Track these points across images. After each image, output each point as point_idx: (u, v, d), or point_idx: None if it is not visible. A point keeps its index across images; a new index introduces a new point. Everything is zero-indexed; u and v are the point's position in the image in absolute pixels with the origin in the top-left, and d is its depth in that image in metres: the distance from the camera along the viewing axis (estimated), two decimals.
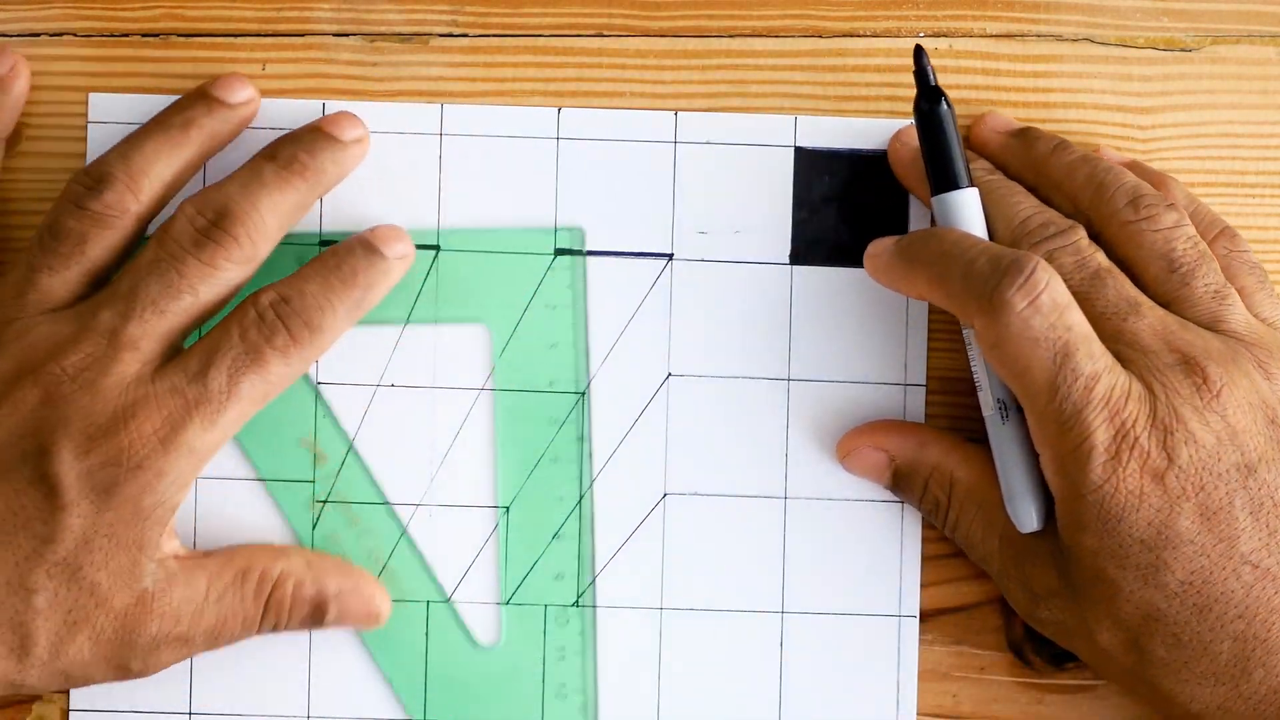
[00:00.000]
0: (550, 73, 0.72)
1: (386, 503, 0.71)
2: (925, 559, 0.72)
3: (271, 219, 0.67)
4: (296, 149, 0.69)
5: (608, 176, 0.71)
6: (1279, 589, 0.65)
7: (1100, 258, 0.66)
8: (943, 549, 0.72)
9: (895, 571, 0.71)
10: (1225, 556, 0.64)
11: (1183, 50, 0.72)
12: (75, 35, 0.72)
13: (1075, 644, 0.67)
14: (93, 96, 0.71)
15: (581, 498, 0.71)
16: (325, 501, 0.71)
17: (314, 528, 0.71)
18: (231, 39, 0.72)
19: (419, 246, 0.71)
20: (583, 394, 0.71)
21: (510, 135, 0.71)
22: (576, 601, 0.71)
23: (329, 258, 0.68)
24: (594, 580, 0.71)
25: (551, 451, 0.71)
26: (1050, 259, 0.66)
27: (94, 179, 0.68)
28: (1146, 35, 0.72)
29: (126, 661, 0.67)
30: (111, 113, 0.70)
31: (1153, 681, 0.65)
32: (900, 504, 0.71)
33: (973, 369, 0.67)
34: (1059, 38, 0.72)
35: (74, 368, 0.65)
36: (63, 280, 0.67)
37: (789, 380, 0.71)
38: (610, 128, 0.71)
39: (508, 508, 0.71)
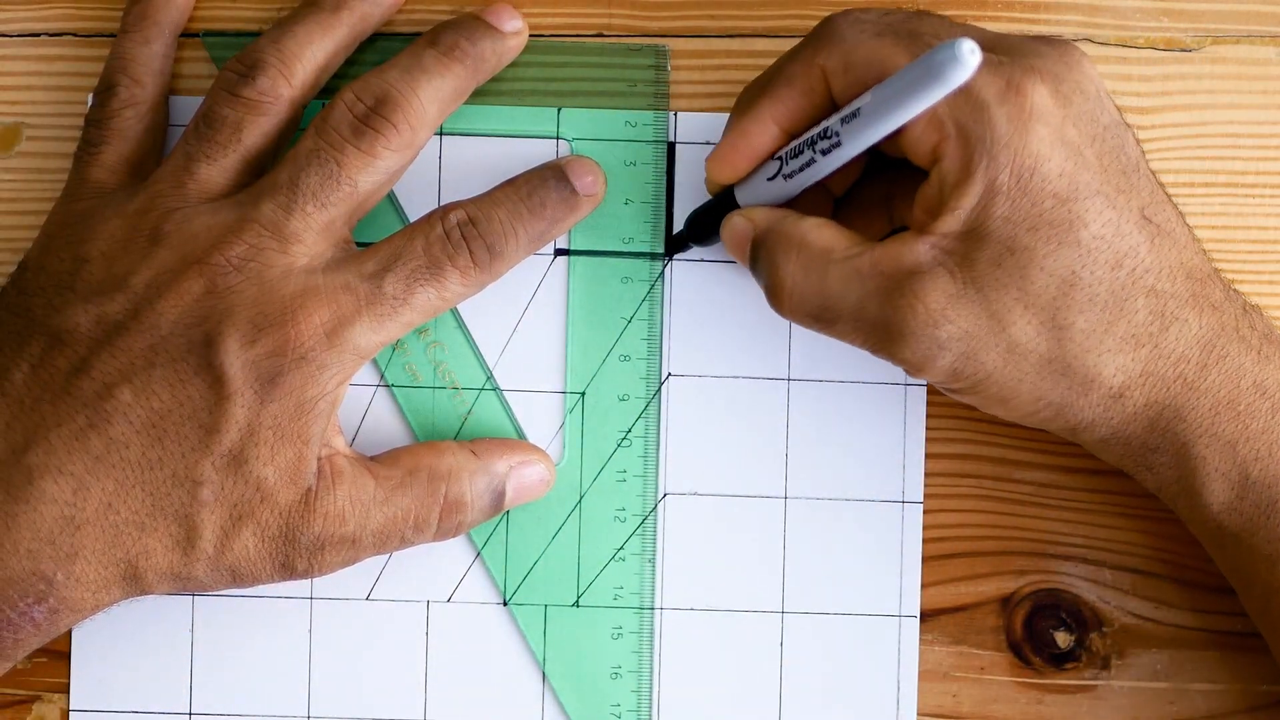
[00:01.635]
0: (550, 72, 0.72)
1: None
2: (925, 559, 0.72)
3: (432, 105, 0.67)
4: (458, 36, 0.69)
5: (607, 176, 0.71)
6: (1175, 244, 0.64)
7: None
8: (943, 549, 0.72)
9: (895, 571, 0.71)
10: (1128, 209, 0.63)
11: (1183, 50, 0.72)
12: (75, 35, 0.72)
13: (984, 355, 0.64)
14: (93, 96, 0.71)
15: (582, 498, 0.71)
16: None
17: None
18: (232, 39, 0.72)
19: None
20: (582, 394, 0.72)
21: (510, 135, 0.71)
22: (576, 602, 0.71)
23: (521, 184, 0.68)
24: (594, 581, 0.71)
25: (551, 451, 0.71)
26: None
27: (246, 65, 0.68)
28: (1146, 35, 0.72)
29: (292, 560, 0.66)
30: None
31: (1074, 362, 0.63)
32: (900, 504, 0.71)
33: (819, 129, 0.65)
34: (1059, 38, 0.72)
35: (238, 259, 0.65)
36: (221, 169, 0.67)
37: (789, 380, 0.71)
38: (610, 127, 0.71)
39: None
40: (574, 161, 0.69)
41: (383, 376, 0.71)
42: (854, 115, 0.63)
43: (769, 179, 0.67)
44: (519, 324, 0.71)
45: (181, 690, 0.71)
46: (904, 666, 0.71)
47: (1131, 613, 0.72)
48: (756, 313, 0.71)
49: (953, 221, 0.63)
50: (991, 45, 0.64)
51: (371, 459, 0.68)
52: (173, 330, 0.65)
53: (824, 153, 0.65)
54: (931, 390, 0.72)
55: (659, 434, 0.71)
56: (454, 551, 0.71)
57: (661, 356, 0.71)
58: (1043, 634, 0.71)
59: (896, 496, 0.71)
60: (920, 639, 0.72)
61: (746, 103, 0.67)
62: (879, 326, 0.64)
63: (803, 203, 0.67)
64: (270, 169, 0.67)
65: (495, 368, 0.71)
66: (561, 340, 0.71)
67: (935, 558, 0.72)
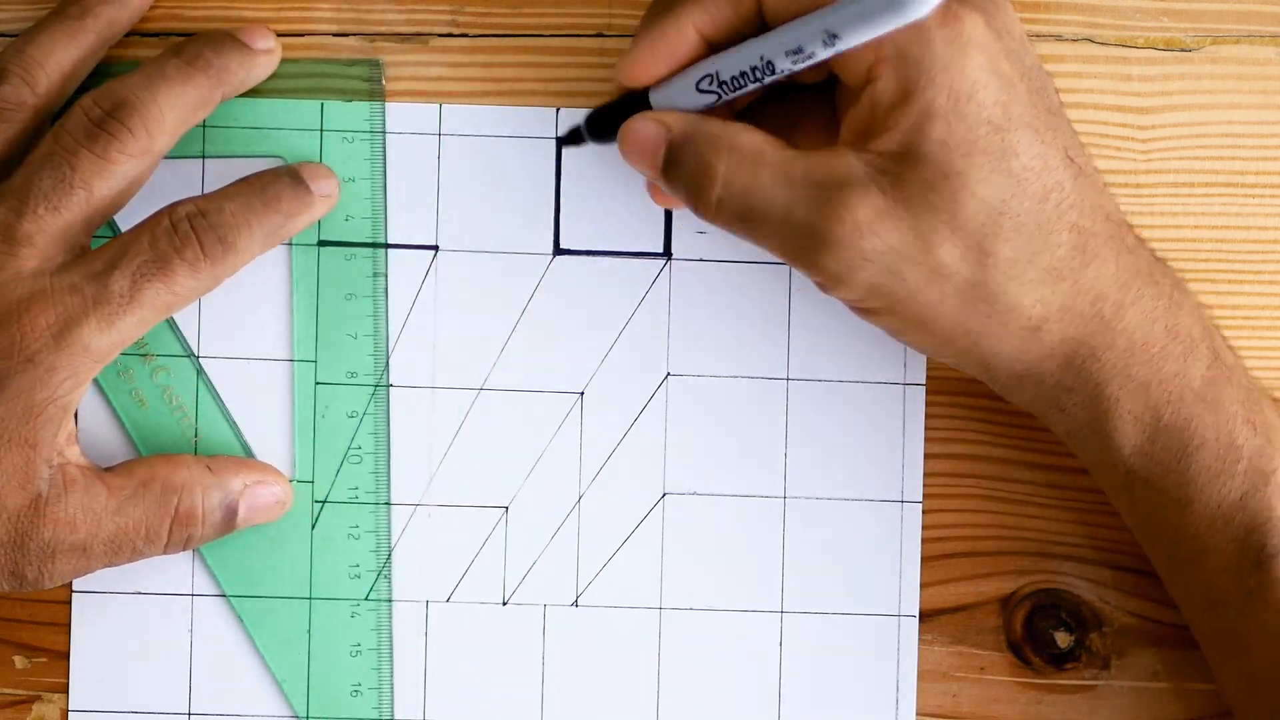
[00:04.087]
0: (550, 73, 0.72)
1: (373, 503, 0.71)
2: (925, 559, 0.72)
3: (170, 113, 0.67)
4: (204, 48, 0.68)
5: (607, 176, 0.71)
6: (1094, 186, 0.65)
7: None
8: (943, 549, 0.72)
9: (895, 571, 0.71)
10: (1054, 145, 0.64)
11: (1183, 50, 0.72)
12: None
13: (907, 273, 0.64)
14: None
15: (580, 497, 0.71)
16: (324, 501, 0.71)
17: (313, 528, 0.71)
18: None
19: (419, 247, 0.71)
20: (581, 394, 0.71)
21: (510, 135, 0.71)
22: (576, 601, 0.71)
23: (254, 180, 0.68)
24: (594, 580, 0.71)
25: (551, 451, 0.71)
26: None
27: None
28: (1146, 35, 0.72)
29: (20, 568, 0.66)
30: None
31: (996, 290, 0.64)
32: (899, 504, 0.71)
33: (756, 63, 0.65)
34: (1059, 38, 0.72)
35: None
36: None
37: (788, 380, 0.71)
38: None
39: (507, 507, 0.71)
40: (308, 165, 0.69)
41: (110, 404, 0.71)
42: (799, 50, 0.63)
43: (705, 100, 0.66)
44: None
45: (181, 690, 0.71)
46: (903, 666, 0.71)
47: (1131, 613, 0.72)
48: (755, 312, 0.71)
49: (888, 141, 0.63)
50: None
51: (106, 469, 0.68)
52: None
53: (758, 81, 0.65)
54: (931, 390, 0.72)
55: (657, 433, 0.71)
56: (454, 552, 0.71)
57: (664, 355, 0.71)
58: (1043, 634, 0.71)
59: (895, 496, 0.71)
60: (920, 639, 0.72)
61: (667, 5, 0.66)
62: (804, 232, 0.64)
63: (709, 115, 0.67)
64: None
65: (222, 388, 0.71)
66: (289, 356, 0.71)
67: (935, 557, 0.72)
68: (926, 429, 0.72)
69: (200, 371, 0.71)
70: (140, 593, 0.71)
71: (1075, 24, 0.72)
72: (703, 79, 0.66)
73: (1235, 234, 0.72)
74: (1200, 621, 0.68)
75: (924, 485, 0.72)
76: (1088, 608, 0.72)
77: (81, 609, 0.71)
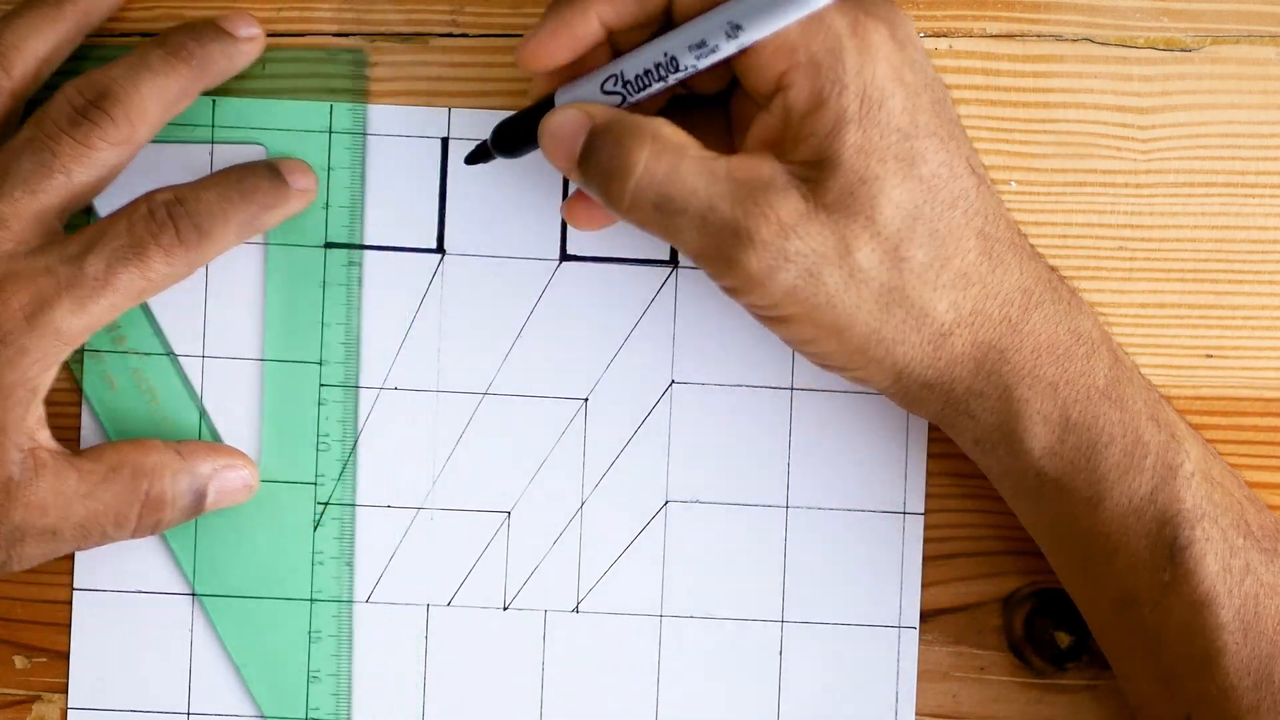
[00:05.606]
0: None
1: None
2: (926, 558, 0.72)
3: (153, 103, 0.67)
4: (186, 37, 0.69)
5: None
6: (995, 196, 0.66)
7: None
8: (944, 549, 0.72)
9: (896, 582, 0.71)
10: (958, 154, 0.65)
11: (1183, 50, 0.72)
12: None
13: (826, 276, 0.64)
14: None
15: (583, 503, 0.71)
16: (327, 503, 0.71)
17: (315, 528, 0.71)
18: None
19: (424, 250, 0.71)
20: (585, 401, 0.71)
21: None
22: (577, 608, 0.71)
23: (232, 172, 0.69)
24: (595, 586, 0.71)
25: (554, 457, 0.71)
26: None
27: None
28: (1146, 35, 0.72)
29: None
30: None
31: (911, 294, 0.64)
32: (902, 514, 0.71)
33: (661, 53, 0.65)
34: (1059, 38, 0.72)
35: None
36: None
37: (792, 389, 0.71)
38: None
39: (509, 512, 0.71)
40: (286, 160, 0.70)
41: (79, 386, 0.71)
42: (702, 44, 0.63)
43: (611, 102, 0.66)
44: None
45: (180, 690, 0.71)
46: (903, 677, 0.71)
47: None
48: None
49: (805, 150, 0.64)
50: None
51: (76, 454, 0.68)
52: None
53: (662, 79, 0.65)
54: None
55: (661, 441, 0.71)
56: (455, 556, 0.71)
57: (668, 363, 0.71)
58: (1043, 634, 0.72)
59: (898, 507, 0.71)
60: (920, 639, 0.72)
61: None
62: (727, 229, 0.64)
63: None
64: None
65: (191, 373, 0.71)
66: (259, 343, 0.71)
67: (936, 557, 0.72)
68: (930, 429, 0.72)
69: (171, 355, 0.71)
70: (140, 592, 0.71)
71: (1075, 24, 0.72)
72: (608, 79, 0.66)
73: (1235, 234, 0.72)
74: (1110, 623, 0.68)
75: (926, 484, 0.72)
76: None
77: (81, 609, 0.71)
